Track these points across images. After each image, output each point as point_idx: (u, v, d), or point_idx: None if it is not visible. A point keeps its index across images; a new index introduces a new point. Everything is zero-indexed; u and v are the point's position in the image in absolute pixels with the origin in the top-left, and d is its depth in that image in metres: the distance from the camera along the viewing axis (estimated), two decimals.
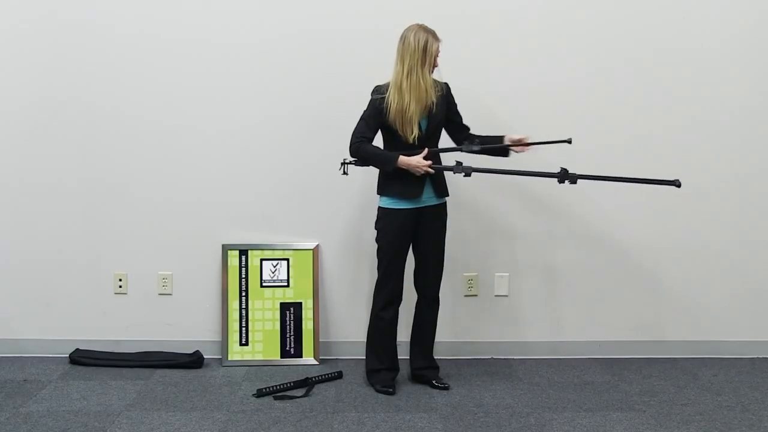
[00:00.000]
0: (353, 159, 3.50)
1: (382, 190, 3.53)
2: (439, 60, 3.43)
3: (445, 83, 3.53)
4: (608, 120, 3.99)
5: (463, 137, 3.57)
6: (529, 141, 3.52)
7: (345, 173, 3.54)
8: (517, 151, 3.52)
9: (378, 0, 3.89)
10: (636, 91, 3.98)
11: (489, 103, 3.94)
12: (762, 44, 3.99)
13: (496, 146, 3.51)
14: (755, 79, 4.00)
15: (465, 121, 3.62)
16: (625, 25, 3.95)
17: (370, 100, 3.46)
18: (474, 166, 3.46)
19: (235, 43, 3.92)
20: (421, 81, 3.36)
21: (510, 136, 3.52)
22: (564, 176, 3.40)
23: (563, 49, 3.95)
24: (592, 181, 3.87)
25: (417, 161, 3.39)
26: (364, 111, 3.47)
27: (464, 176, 3.44)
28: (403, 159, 3.39)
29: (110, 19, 3.89)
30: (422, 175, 3.43)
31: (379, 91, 3.44)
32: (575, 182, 3.42)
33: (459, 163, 3.42)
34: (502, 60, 3.94)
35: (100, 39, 3.90)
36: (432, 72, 3.43)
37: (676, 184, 3.44)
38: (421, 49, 3.35)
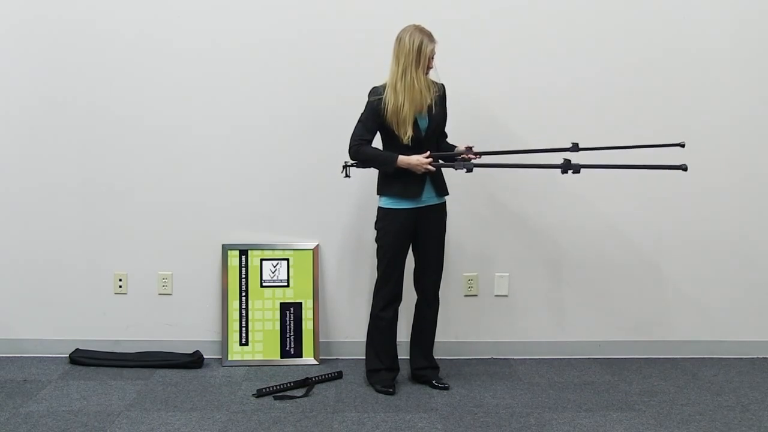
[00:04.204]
0: (353, 161, 3.50)
1: (381, 191, 3.53)
2: (434, 62, 3.42)
3: (442, 84, 3.54)
4: (609, 121, 3.99)
5: (441, 142, 3.58)
6: (638, 144, 3.48)
7: (347, 176, 3.54)
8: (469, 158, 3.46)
9: (378, 2, 3.90)
10: (637, 92, 3.99)
11: (489, 104, 3.95)
12: (763, 44, 3.99)
13: (459, 156, 3.46)
14: (758, 77, 4.01)
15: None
16: (625, 27, 3.95)
17: (368, 102, 3.46)
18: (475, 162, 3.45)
19: (235, 45, 3.92)
20: (415, 82, 3.36)
21: (459, 148, 3.50)
22: (567, 167, 3.36)
23: (564, 51, 3.95)
24: (594, 179, 3.93)
25: (417, 160, 3.39)
26: (362, 113, 3.47)
27: (466, 172, 3.42)
28: (403, 158, 3.39)
29: (111, 21, 3.89)
30: (422, 174, 3.43)
31: (376, 93, 3.45)
32: (578, 172, 3.36)
33: (460, 159, 3.42)
34: (503, 61, 3.95)
35: (99, 41, 3.90)
36: (427, 73, 3.43)
37: (683, 168, 3.38)
38: (415, 50, 3.35)
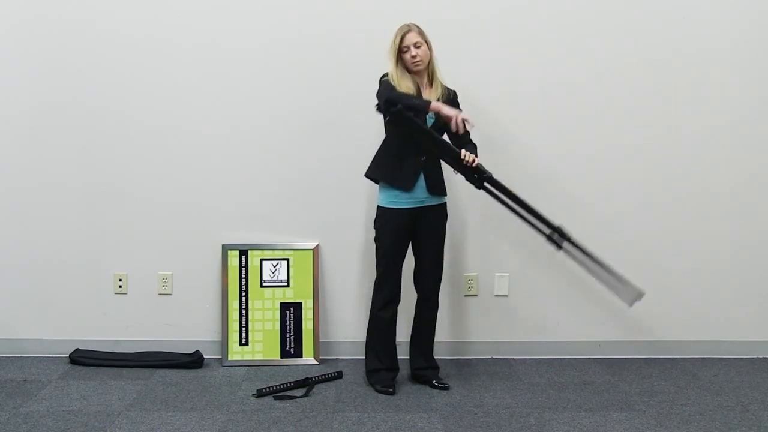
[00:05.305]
0: (391, 112, 3.34)
1: (373, 172, 3.52)
2: (417, 51, 3.39)
3: (453, 91, 3.53)
4: (609, 121, 3.99)
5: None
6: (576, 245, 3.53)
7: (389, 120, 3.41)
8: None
9: (378, 2, 3.90)
10: (637, 92, 3.99)
11: (489, 104, 3.95)
12: (763, 44, 3.99)
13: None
14: (758, 77, 4.01)
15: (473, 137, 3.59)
16: (625, 27, 3.95)
17: (382, 79, 3.44)
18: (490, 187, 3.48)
19: (235, 46, 3.92)
20: (395, 72, 3.41)
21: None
22: (551, 238, 3.49)
23: (564, 51, 3.95)
24: (594, 181, 3.97)
25: (450, 108, 3.33)
26: (381, 82, 3.42)
27: (476, 187, 3.47)
28: (435, 103, 3.33)
29: (111, 21, 3.89)
30: (418, 166, 3.43)
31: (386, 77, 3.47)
32: (561, 247, 3.50)
33: (479, 178, 3.42)
34: (503, 61, 3.95)
35: (99, 41, 3.90)
36: (416, 63, 3.41)
37: (638, 298, 3.61)
38: (394, 43, 3.42)
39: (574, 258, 3.56)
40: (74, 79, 3.92)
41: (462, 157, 3.38)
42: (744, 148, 4.03)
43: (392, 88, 3.37)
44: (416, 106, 3.33)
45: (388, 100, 3.31)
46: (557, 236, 3.49)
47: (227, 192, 3.99)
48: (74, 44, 3.90)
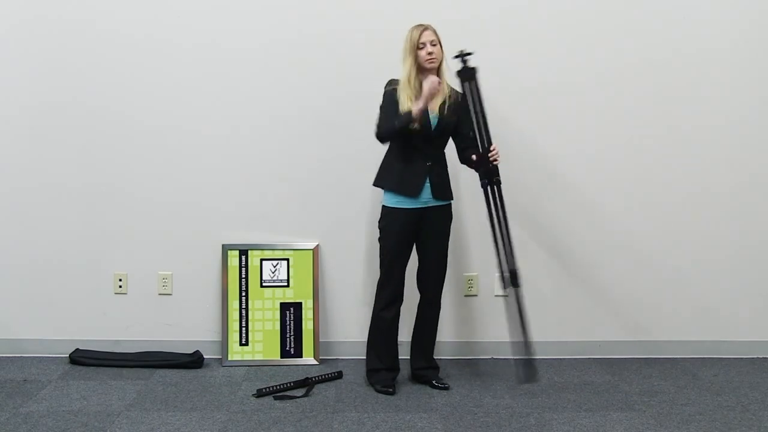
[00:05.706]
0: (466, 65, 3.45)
1: (379, 181, 3.53)
2: (433, 49, 3.39)
3: (462, 93, 3.53)
4: (609, 121, 3.99)
5: (467, 156, 3.56)
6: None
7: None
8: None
9: (378, 2, 3.90)
10: (637, 92, 3.99)
11: (489, 104, 3.94)
12: (763, 44, 3.99)
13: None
14: (758, 77, 4.01)
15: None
16: (625, 27, 3.95)
17: (384, 93, 3.47)
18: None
19: (235, 46, 3.92)
20: (411, 72, 3.42)
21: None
22: (503, 276, 3.50)
23: (564, 51, 3.96)
24: (594, 181, 3.96)
25: (424, 89, 3.35)
26: (381, 104, 3.47)
27: (481, 183, 3.50)
28: (415, 106, 3.34)
29: (111, 21, 3.89)
30: (423, 170, 3.43)
31: (391, 84, 3.47)
32: (506, 288, 3.50)
33: (488, 181, 3.48)
34: (503, 61, 3.94)
35: (99, 41, 3.90)
36: (430, 60, 3.40)
37: (531, 381, 3.60)
38: (411, 39, 3.42)
39: (508, 307, 3.54)
40: (74, 79, 3.92)
41: (492, 148, 3.44)
42: (744, 148, 4.04)
43: (393, 103, 3.38)
44: (404, 123, 3.36)
45: (380, 137, 3.43)
46: (509, 278, 3.48)
47: (227, 192, 3.99)
48: (74, 44, 3.90)
